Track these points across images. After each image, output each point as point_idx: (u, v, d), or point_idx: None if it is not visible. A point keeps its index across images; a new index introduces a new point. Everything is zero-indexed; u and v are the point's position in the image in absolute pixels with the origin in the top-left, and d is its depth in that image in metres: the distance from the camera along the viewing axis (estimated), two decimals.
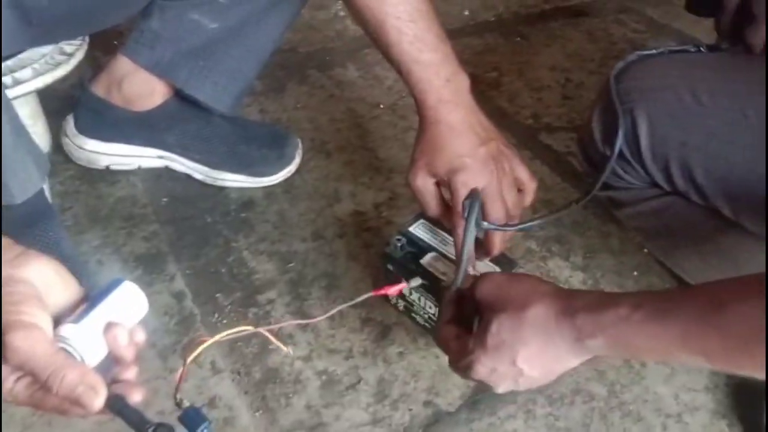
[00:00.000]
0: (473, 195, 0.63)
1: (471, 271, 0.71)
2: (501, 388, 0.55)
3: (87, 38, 0.92)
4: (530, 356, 0.52)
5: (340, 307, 0.66)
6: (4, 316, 0.44)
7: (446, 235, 0.77)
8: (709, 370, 0.77)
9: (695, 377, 0.77)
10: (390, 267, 0.76)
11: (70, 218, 0.89)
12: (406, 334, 0.79)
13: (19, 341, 0.43)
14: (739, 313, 0.44)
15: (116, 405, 0.46)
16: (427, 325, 0.77)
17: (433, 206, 0.73)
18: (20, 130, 0.63)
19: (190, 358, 0.58)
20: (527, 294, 0.53)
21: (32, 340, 0.44)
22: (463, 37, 1.37)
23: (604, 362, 0.77)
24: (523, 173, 0.72)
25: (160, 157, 0.96)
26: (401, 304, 0.79)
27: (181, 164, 0.96)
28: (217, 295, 0.82)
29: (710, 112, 0.64)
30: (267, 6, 0.86)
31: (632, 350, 0.50)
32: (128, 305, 0.47)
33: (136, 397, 0.46)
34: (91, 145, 0.93)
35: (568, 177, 1.04)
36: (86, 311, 0.46)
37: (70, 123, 0.94)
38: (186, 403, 0.48)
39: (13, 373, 0.45)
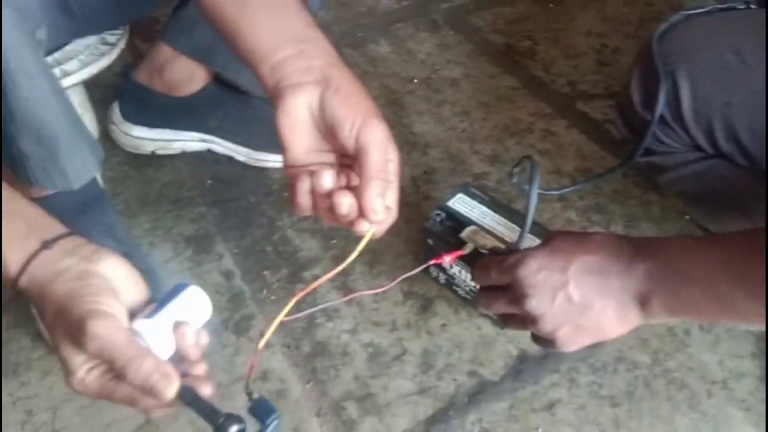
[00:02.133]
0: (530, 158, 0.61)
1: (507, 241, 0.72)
2: (534, 301, 0.55)
3: (127, 27, 0.95)
4: (583, 269, 0.53)
5: (405, 276, 0.68)
6: (82, 306, 0.46)
7: (485, 208, 0.77)
8: (755, 336, 0.77)
9: (740, 343, 0.76)
10: (430, 241, 0.77)
11: (121, 203, 0.91)
12: (448, 306, 0.80)
13: (98, 328, 0.44)
14: None
15: (188, 396, 0.47)
16: (468, 297, 0.78)
17: None
18: (76, 118, 0.65)
19: (261, 345, 0.54)
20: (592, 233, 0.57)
21: (111, 328, 0.45)
22: (495, 6, 1.35)
23: (647, 330, 0.77)
24: None
25: (203, 141, 0.97)
26: (442, 277, 0.80)
27: (223, 147, 0.97)
28: (264, 272, 0.84)
29: (754, 70, 0.63)
30: None
31: (678, 278, 0.50)
32: (194, 307, 0.49)
33: (206, 391, 0.48)
34: (137, 131, 0.96)
35: (606, 145, 1.03)
36: (156, 310, 0.48)
37: (115, 110, 0.96)
38: (255, 395, 0.49)
39: (86, 363, 0.46)
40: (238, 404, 0.68)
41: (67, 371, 0.47)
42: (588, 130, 1.06)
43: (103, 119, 0.99)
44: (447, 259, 0.71)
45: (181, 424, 0.69)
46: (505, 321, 0.63)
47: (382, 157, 0.55)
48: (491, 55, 1.22)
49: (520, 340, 0.76)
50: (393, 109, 1.10)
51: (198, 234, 0.88)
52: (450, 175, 0.98)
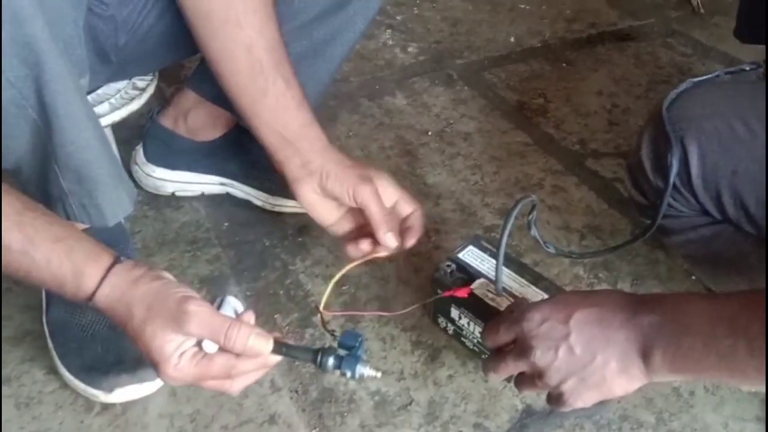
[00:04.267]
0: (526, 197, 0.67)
1: (519, 296, 0.74)
2: (539, 352, 0.56)
3: (156, 73, 0.99)
4: (584, 320, 0.54)
5: (416, 305, 0.78)
6: (175, 295, 0.55)
7: (495, 261, 0.79)
8: (759, 400, 0.77)
9: (744, 406, 0.77)
10: (440, 292, 0.78)
11: (139, 241, 0.94)
12: (455, 358, 0.81)
13: (197, 308, 0.54)
14: None
15: (281, 347, 0.58)
16: (476, 349, 0.79)
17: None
18: (114, 160, 0.70)
19: (331, 285, 0.71)
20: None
21: (206, 307, 0.55)
22: (509, 63, 1.40)
23: (651, 389, 0.78)
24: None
25: (222, 184, 1.00)
26: (451, 328, 0.81)
27: (242, 191, 1.00)
28: (276, 315, 0.85)
29: (761, 140, 0.64)
30: (323, 41, 0.90)
31: (681, 331, 0.51)
32: (236, 308, 0.61)
33: (290, 341, 0.62)
34: (159, 173, 0.99)
35: (614, 203, 1.05)
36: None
37: (139, 152, 1.00)
38: (336, 332, 0.63)
39: (178, 350, 0.55)
40: None
41: (162, 361, 0.55)
42: (597, 187, 1.08)
43: (126, 160, 1.03)
44: (460, 292, 0.74)
45: None
46: (517, 383, 0.64)
47: (378, 206, 0.74)
48: (504, 111, 1.26)
49: (526, 394, 0.77)
50: (407, 159, 1.13)
51: (213, 275, 0.90)
52: (461, 227, 1.00)
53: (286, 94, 0.74)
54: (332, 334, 0.62)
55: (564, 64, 1.41)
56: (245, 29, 0.71)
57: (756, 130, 0.65)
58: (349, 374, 0.60)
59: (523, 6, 1.61)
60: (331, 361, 0.59)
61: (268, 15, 0.73)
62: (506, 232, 0.64)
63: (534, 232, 0.70)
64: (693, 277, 0.92)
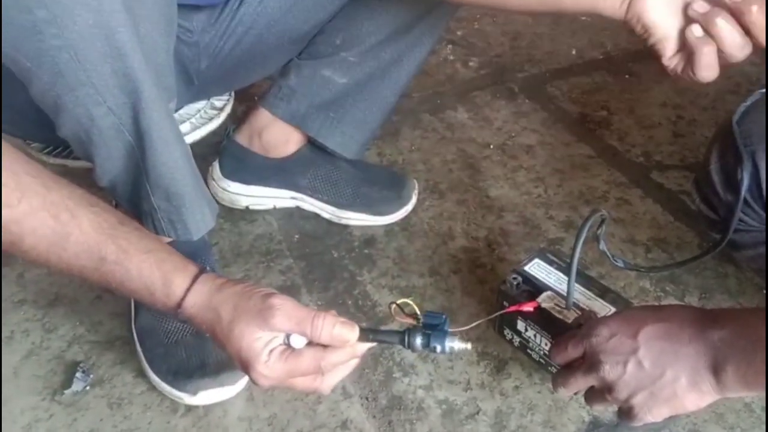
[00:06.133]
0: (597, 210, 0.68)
1: (586, 309, 0.75)
2: (608, 367, 0.56)
3: (232, 93, 1.05)
4: (653, 335, 0.55)
5: (480, 321, 0.73)
6: (259, 293, 0.57)
7: (562, 274, 0.80)
8: None
9: None
10: (506, 304, 0.79)
11: (217, 252, 0.99)
12: (521, 369, 0.82)
13: (281, 302, 0.56)
14: None
15: (368, 333, 0.58)
16: (542, 361, 0.80)
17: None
18: (198, 178, 0.75)
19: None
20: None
21: (290, 301, 0.57)
22: (571, 76, 1.40)
23: (722, 405, 0.77)
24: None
25: (293, 198, 1.05)
26: (517, 340, 0.82)
27: (311, 204, 1.04)
28: None
29: None
30: (391, 61, 0.94)
31: (753, 346, 0.50)
32: None
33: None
34: (234, 187, 1.04)
35: (680, 216, 1.04)
36: None
37: (215, 168, 1.06)
38: (419, 315, 0.61)
39: (267, 347, 0.56)
40: None
41: (252, 357, 0.56)
42: (662, 200, 1.07)
43: (203, 175, 1.07)
44: (526, 307, 0.74)
45: None
46: (587, 399, 0.65)
47: None
48: (566, 123, 1.26)
49: (597, 408, 0.77)
50: (469, 173, 1.15)
51: (285, 285, 0.94)
52: (524, 240, 1.01)
53: None
54: (415, 317, 0.61)
55: (627, 76, 1.40)
56: None
57: None
58: (439, 349, 0.59)
59: (584, 18, 1.60)
60: (419, 339, 0.59)
61: None
62: (578, 247, 0.65)
63: (603, 246, 0.71)
64: (765, 292, 0.90)
